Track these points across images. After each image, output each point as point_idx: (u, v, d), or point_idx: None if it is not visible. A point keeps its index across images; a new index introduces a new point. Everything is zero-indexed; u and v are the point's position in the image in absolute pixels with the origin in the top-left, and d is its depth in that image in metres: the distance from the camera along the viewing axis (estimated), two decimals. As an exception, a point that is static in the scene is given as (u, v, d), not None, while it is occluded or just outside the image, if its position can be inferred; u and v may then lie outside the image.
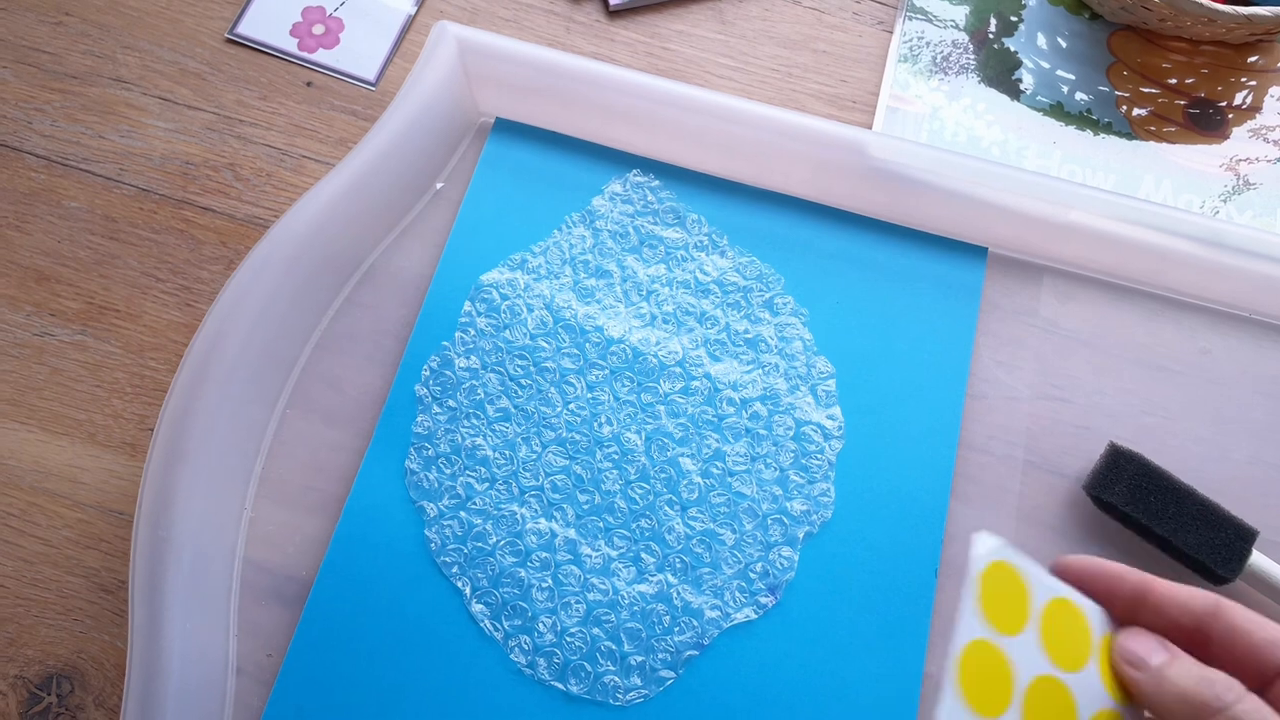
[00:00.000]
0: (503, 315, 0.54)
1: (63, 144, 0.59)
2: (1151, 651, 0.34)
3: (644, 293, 0.55)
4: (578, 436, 0.52)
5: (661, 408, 0.53)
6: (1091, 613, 0.36)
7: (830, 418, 0.53)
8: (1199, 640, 0.34)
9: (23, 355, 0.54)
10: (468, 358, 0.54)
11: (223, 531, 0.49)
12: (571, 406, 0.53)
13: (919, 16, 0.61)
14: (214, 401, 0.48)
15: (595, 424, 0.52)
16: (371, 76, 0.60)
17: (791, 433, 0.52)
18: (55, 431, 0.53)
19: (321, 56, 0.61)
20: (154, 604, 0.45)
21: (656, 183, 0.57)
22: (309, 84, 0.60)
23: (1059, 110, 0.59)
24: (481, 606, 0.49)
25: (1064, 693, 0.35)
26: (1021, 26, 0.61)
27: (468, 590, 0.49)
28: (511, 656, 0.48)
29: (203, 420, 0.48)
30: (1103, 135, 0.59)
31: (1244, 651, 0.33)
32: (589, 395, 0.53)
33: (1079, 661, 0.35)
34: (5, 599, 0.50)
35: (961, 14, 0.62)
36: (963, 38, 0.61)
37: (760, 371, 0.54)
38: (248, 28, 0.61)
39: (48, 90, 0.60)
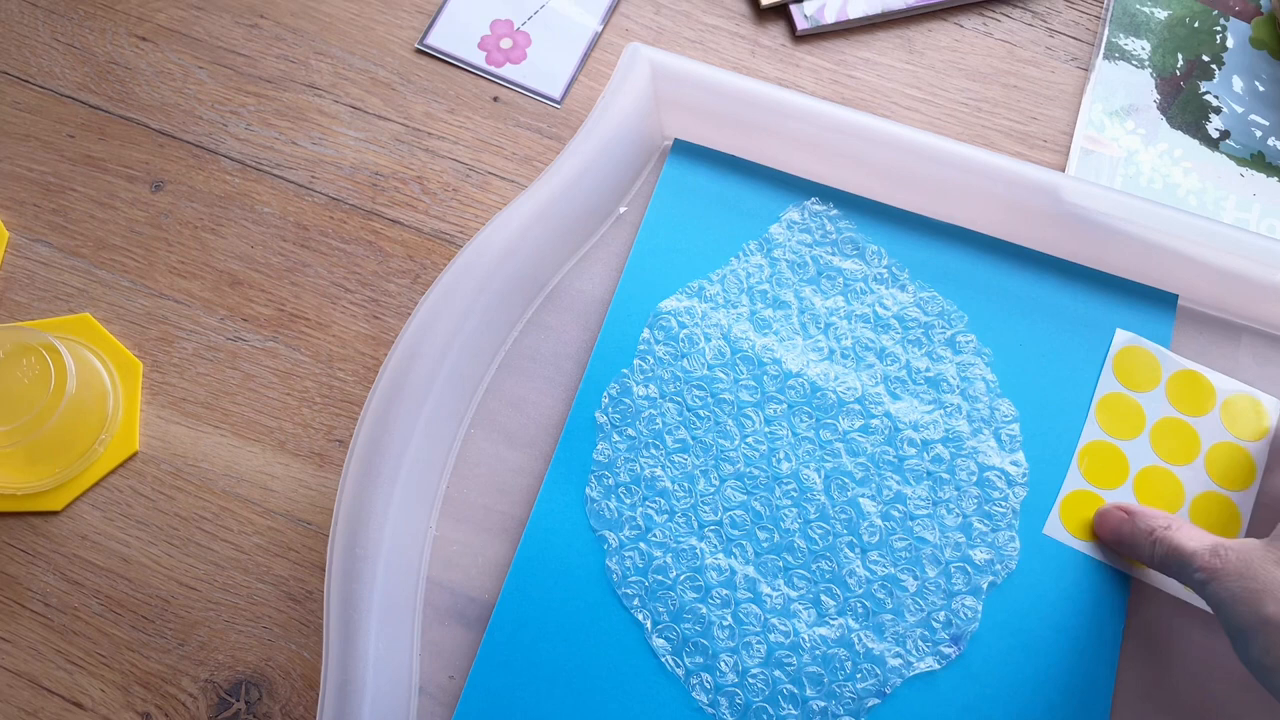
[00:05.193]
0: (681, 344, 0.52)
1: (257, 148, 0.56)
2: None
3: (822, 325, 0.52)
4: (756, 471, 0.49)
5: (840, 446, 0.50)
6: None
7: (1014, 464, 0.49)
8: None
9: (217, 359, 0.53)
10: (646, 386, 0.51)
11: (410, 550, 0.47)
12: (750, 440, 0.50)
13: (1116, 56, 0.57)
14: (407, 421, 0.46)
15: (774, 459, 0.50)
16: (557, 94, 0.58)
17: (974, 478, 0.49)
18: (247, 437, 0.51)
19: (509, 71, 0.58)
20: (349, 622, 0.43)
21: (835, 212, 0.54)
22: (495, 99, 0.57)
23: (1260, 161, 0.55)
24: (662, 641, 0.46)
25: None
26: (1219, 70, 0.57)
27: (649, 624, 0.47)
28: (693, 694, 0.45)
29: (397, 439, 0.45)
30: (1303, 189, 0.54)
31: None
32: (767, 430, 0.50)
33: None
34: (198, 602, 0.48)
35: (1159, 55, 0.57)
36: (1159, 80, 0.57)
37: (941, 412, 0.50)
38: (437, 39, 0.59)
39: (242, 93, 0.58)
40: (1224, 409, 0.49)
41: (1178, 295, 0.51)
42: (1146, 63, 0.57)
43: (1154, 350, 0.50)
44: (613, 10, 0.59)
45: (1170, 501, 0.48)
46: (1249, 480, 0.48)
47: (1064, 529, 0.48)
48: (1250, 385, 0.50)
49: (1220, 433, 0.49)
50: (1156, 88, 0.56)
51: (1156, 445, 0.49)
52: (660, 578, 0.47)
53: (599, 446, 0.49)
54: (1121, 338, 0.51)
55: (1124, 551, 0.46)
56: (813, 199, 0.54)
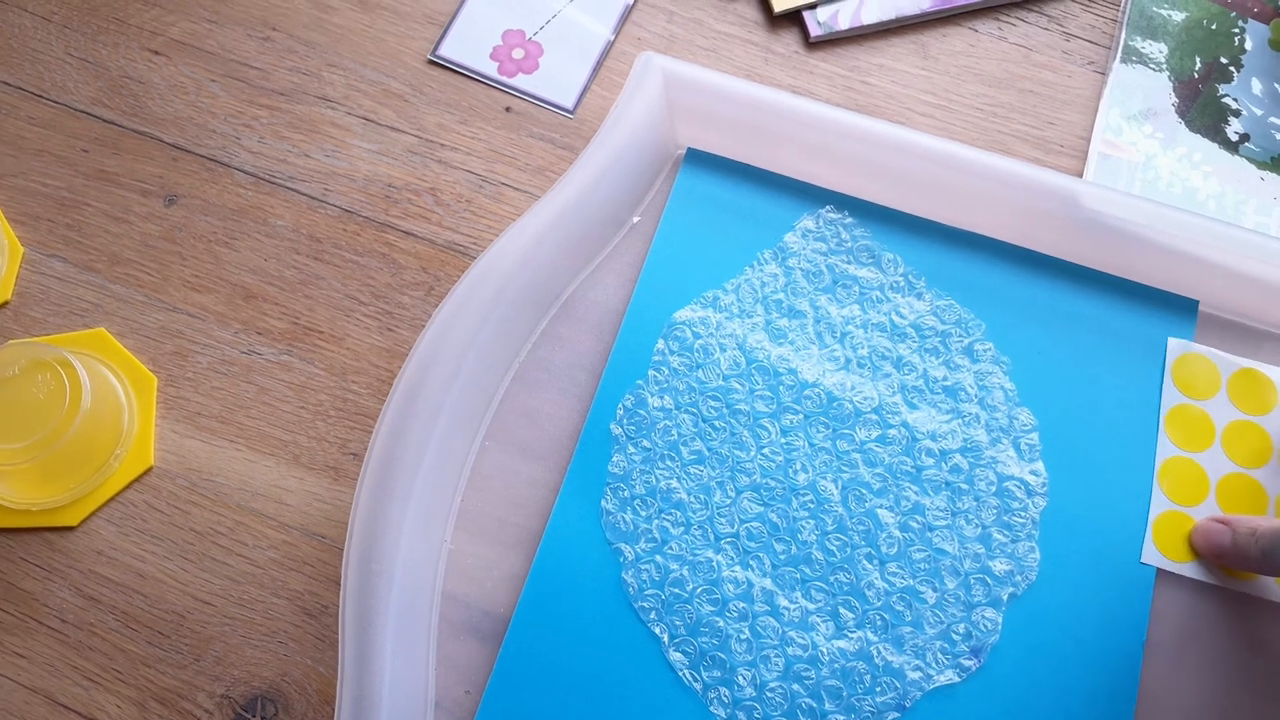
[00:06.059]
0: (695, 354, 0.51)
1: (270, 161, 0.56)
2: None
3: (838, 334, 0.51)
4: (772, 483, 0.49)
5: (858, 456, 0.49)
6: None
7: (1033, 473, 0.48)
8: None
9: (231, 373, 0.52)
10: (661, 397, 0.50)
11: (426, 564, 0.46)
12: (766, 451, 0.49)
13: (1133, 59, 0.56)
14: (421, 433, 0.45)
15: (790, 470, 0.49)
16: (569, 104, 0.57)
17: (993, 488, 0.48)
18: (262, 451, 0.51)
19: (521, 81, 0.57)
20: (364, 637, 0.42)
21: (850, 220, 0.53)
22: (508, 109, 0.57)
23: (1279, 164, 0.54)
24: (680, 655, 0.46)
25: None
26: (1238, 73, 0.56)
27: (665, 637, 0.46)
28: (711, 709, 0.45)
29: (411, 452, 0.45)
30: (1323, 192, 0.53)
31: None
32: (783, 440, 0.49)
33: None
34: (213, 617, 0.48)
35: (1176, 58, 0.56)
36: (1177, 83, 0.56)
37: (960, 421, 0.49)
38: (449, 49, 0.58)
39: (255, 106, 0.57)
40: None
41: (1198, 301, 0.50)
42: (1164, 66, 0.56)
43: (1209, 354, 0.49)
44: (625, 19, 0.59)
45: (1256, 505, 0.47)
46: None
47: (1160, 554, 0.47)
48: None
49: None
50: (1174, 91, 0.55)
51: (1230, 452, 0.48)
52: (677, 590, 0.47)
53: (614, 458, 0.49)
54: (1175, 346, 0.50)
55: (1230, 563, 0.45)
56: (827, 207, 0.53)
